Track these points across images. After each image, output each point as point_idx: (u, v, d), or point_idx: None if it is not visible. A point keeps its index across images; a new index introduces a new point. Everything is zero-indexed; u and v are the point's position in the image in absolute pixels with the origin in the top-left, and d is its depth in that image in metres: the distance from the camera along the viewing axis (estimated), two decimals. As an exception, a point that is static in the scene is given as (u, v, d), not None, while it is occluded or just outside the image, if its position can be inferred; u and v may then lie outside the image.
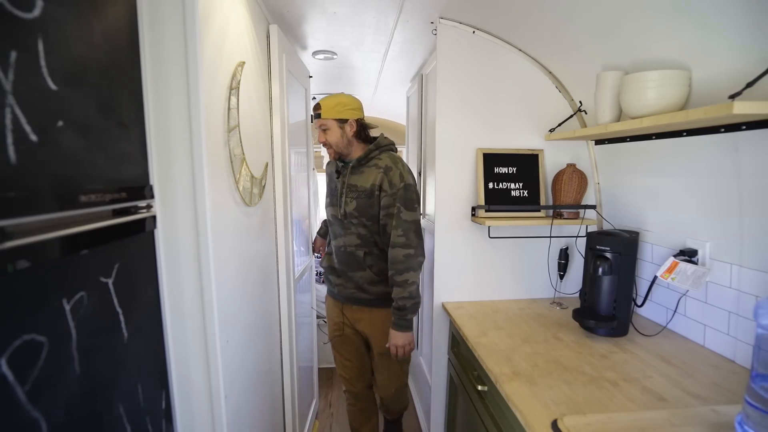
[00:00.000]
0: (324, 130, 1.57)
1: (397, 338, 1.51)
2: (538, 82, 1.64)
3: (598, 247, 1.32)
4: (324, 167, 1.90)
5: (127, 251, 0.68)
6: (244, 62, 1.20)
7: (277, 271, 1.69)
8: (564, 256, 1.63)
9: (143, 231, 0.74)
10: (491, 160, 1.64)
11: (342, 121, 1.55)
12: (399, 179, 1.49)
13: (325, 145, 1.61)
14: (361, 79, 2.66)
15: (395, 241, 1.48)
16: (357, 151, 1.60)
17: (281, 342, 1.73)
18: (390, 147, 1.61)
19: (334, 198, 1.65)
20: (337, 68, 2.41)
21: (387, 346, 1.56)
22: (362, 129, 1.60)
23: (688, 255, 1.19)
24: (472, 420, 1.28)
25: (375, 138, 1.62)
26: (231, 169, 1.13)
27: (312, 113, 1.61)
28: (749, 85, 0.86)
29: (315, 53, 2.12)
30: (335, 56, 2.16)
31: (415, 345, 1.57)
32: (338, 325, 1.73)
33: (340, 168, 1.64)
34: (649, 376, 1.05)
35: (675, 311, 1.30)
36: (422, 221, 2.15)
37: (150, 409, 0.74)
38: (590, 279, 1.34)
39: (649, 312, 1.43)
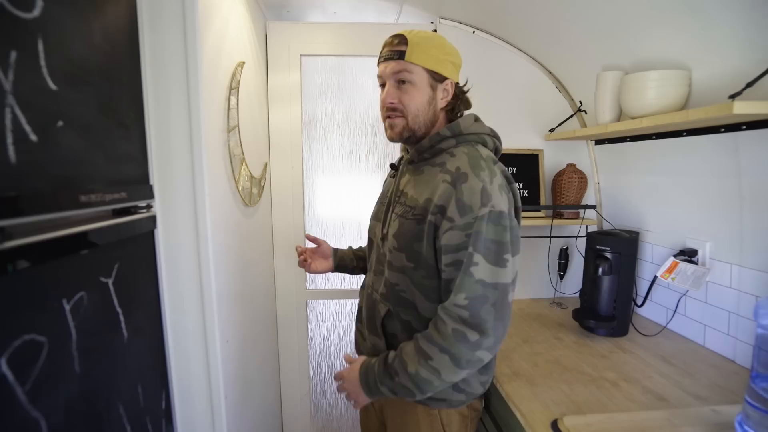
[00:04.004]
0: (402, 83, 0.90)
1: (353, 384, 0.91)
2: (538, 82, 1.64)
3: (598, 247, 1.32)
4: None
5: (127, 251, 0.68)
6: (243, 62, 1.20)
7: (274, 273, 1.69)
8: (564, 256, 1.63)
9: (143, 231, 0.74)
10: (491, 160, 1.64)
11: (437, 78, 0.91)
12: (480, 198, 0.81)
13: (391, 110, 0.92)
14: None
15: (451, 309, 0.80)
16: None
17: (278, 343, 1.73)
18: (478, 137, 0.92)
19: (380, 207, 1.04)
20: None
21: (335, 375, 0.98)
22: (458, 102, 0.97)
23: (688, 255, 1.19)
24: (472, 420, 1.28)
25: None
26: (231, 169, 1.13)
27: (385, 50, 0.91)
28: (749, 85, 0.86)
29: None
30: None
31: (356, 406, 0.97)
32: None
33: (398, 161, 1.07)
34: (649, 376, 1.05)
35: (675, 311, 1.30)
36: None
37: (150, 409, 0.74)
38: (590, 279, 1.34)
39: (649, 312, 1.42)
